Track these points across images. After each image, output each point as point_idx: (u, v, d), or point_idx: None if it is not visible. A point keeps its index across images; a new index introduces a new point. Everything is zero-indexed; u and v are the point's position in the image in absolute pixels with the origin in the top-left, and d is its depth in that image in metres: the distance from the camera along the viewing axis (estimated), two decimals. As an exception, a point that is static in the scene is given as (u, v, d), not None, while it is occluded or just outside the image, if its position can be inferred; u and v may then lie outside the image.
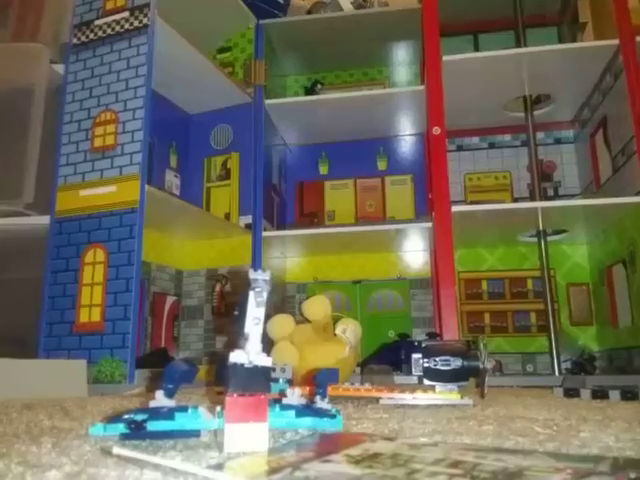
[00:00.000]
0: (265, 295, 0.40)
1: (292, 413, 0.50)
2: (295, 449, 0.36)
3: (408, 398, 0.86)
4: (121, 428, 0.46)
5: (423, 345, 0.92)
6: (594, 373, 1.90)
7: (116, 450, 0.33)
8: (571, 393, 1.05)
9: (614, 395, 0.96)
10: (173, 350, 1.88)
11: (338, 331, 1.20)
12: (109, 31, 1.54)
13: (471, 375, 0.90)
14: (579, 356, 1.96)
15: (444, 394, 0.86)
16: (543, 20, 2.26)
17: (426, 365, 0.90)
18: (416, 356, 0.91)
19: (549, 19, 2.27)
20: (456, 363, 0.89)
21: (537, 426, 0.60)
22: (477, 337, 0.92)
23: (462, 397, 0.85)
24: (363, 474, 0.28)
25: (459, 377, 0.89)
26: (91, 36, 1.56)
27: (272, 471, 0.30)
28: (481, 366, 0.87)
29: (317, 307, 1.26)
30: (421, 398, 0.86)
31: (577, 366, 1.92)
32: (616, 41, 1.73)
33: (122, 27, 1.53)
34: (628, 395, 0.94)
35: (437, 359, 0.89)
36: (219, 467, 0.33)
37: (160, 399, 0.47)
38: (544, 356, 2.02)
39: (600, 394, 0.98)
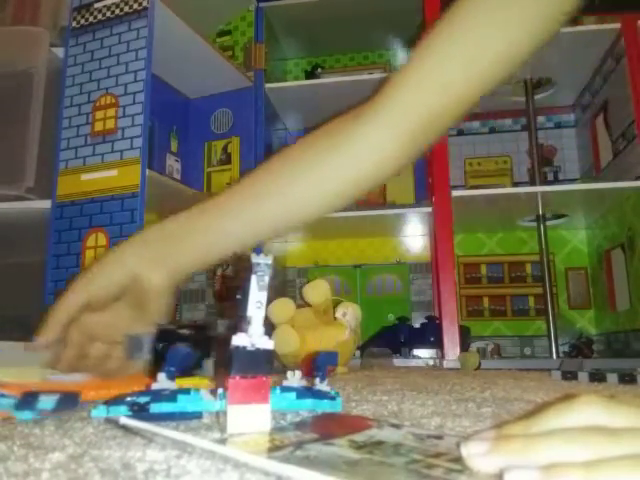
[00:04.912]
0: (267, 279, 0.40)
1: (293, 395, 0.51)
2: (299, 430, 0.37)
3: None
4: (124, 410, 0.46)
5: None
6: (592, 356, 1.91)
7: (123, 420, 0.33)
8: (569, 376, 1.05)
9: (612, 378, 0.96)
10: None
11: (338, 315, 1.20)
12: (109, 14, 1.53)
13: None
14: (577, 339, 1.98)
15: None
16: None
17: None
18: None
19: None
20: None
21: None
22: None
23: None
24: (362, 459, 0.29)
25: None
26: (91, 19, 1.56)
27: (274, 448, 0.31)
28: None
29: (317, 291, 1.26)
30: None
31: (575, 349, 1.93)
32: (618, 25, 1.72)
33: (122, 10, 1.52)
34: (626, 378, 0.94)
35: None
36: (222, 442, 0.33)
37: (162, 382, 0.47)
38: (542, 339, 2.03)
39: (598, 377, 0.99)
